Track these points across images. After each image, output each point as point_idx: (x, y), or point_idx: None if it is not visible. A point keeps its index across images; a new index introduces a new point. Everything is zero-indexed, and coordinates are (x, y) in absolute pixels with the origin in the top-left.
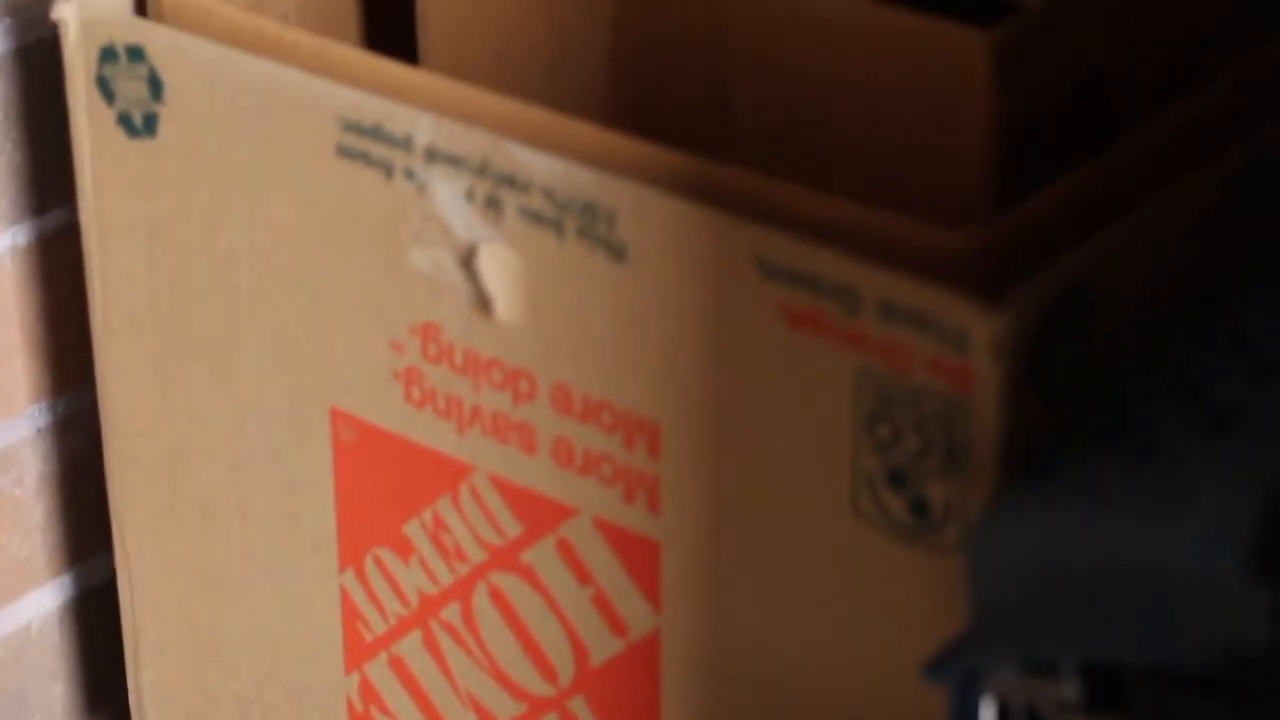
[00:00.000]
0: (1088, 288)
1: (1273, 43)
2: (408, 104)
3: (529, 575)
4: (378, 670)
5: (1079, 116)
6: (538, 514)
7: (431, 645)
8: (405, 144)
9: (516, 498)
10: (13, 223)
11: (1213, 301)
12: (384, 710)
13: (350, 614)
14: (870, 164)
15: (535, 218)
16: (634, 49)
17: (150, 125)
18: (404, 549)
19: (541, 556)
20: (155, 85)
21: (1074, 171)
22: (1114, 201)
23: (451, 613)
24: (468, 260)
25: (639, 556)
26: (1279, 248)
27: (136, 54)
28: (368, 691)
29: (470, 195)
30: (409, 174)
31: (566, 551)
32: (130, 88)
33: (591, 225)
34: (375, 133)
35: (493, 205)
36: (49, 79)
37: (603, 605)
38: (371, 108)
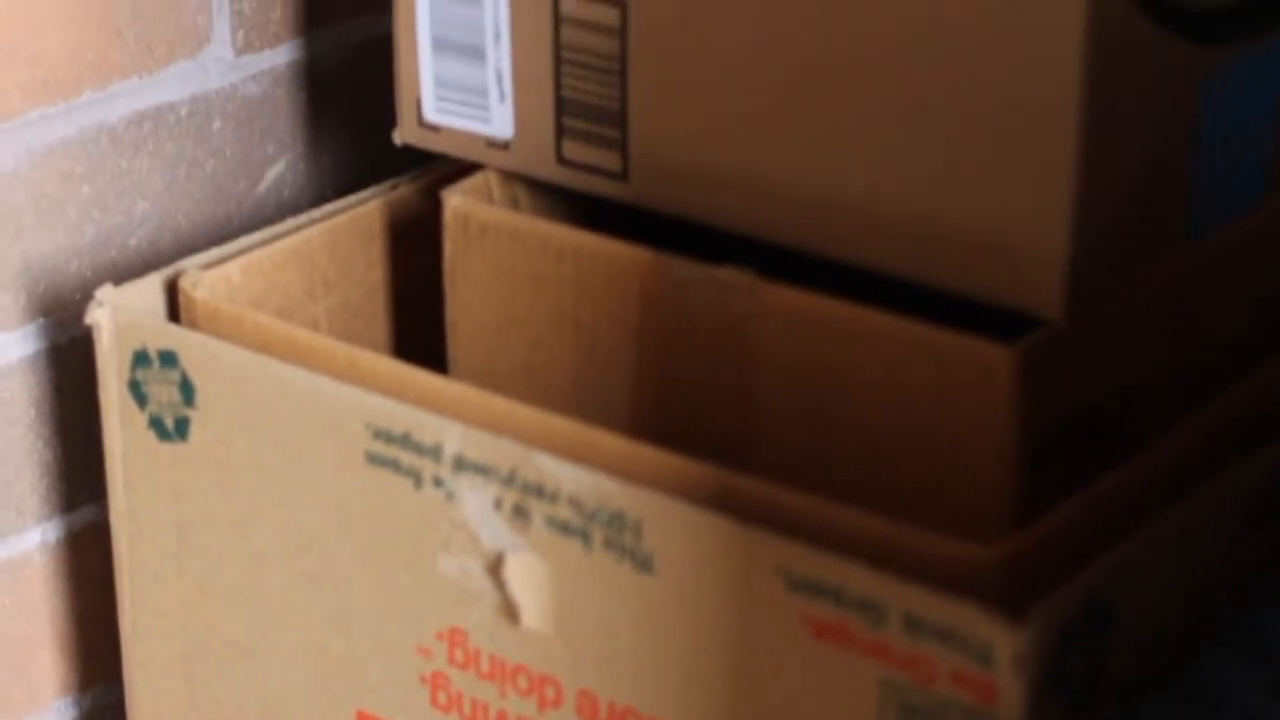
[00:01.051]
0: (1108, 601)
1: None
2: (437, 413)
3: None
4: None
5: (1101, 427)
6: None
7: None
8: (434, 453)
9: None
10: (42, 519)
11: (1234, 612)
12: None
13: None
14: (892, 471)
15: (562, 527)
16: (659, 357)
17: (182, 429)
18: None
19: None
20: (187, 390)
21: (1094, 484)
22: (1136, 511)
23: None
24: (495, 568)
25: None
26: None
27: (169, 359)
28: None
29: (498, 504)
30: (438, 482)
31: None
32: (162, 392)
33: (618, 535)
34: (405, 441)
35: (520, 514)
36: (80, 377)
37: None
38: (401, 416)
